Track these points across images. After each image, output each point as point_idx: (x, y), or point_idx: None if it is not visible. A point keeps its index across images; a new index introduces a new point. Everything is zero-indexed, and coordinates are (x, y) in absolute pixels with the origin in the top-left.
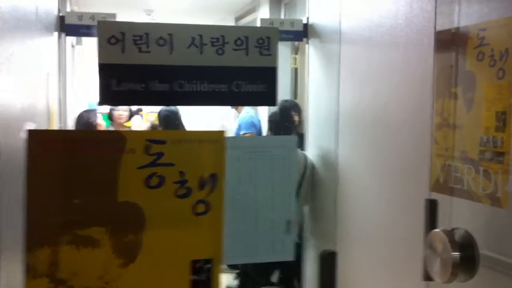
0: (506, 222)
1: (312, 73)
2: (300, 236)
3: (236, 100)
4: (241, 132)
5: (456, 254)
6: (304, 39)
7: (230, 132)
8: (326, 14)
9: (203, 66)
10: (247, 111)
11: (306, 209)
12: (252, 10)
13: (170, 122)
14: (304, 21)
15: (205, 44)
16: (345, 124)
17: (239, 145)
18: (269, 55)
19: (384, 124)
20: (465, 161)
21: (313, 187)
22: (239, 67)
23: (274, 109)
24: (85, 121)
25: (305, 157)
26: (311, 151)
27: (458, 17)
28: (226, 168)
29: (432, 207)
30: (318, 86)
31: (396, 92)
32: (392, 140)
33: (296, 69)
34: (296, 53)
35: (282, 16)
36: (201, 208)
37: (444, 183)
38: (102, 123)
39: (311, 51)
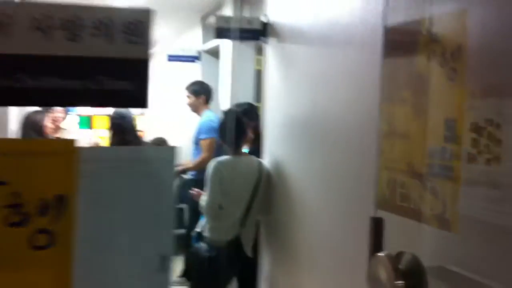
0: (456, 248)
1: (271, 75)
2: (255, 251)
3: (95, 100)
4: (201, 137)
5: (400, 283)
6: (264, 39)
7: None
8: (284, 11)
9: (51, 55)
10: (207, 115)
11: (262, 221)
12: (217, 8)
13: (118, 131)
14: (263, 19)
15: (54, 28)
16: (300, 130)
17: (99, 158)
18: (140, 43)
19: (337, 131)
20: (412, 176)
21: (269, 197)
22: (99, 58)
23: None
24: (31, 122)
25: (260, 165)
26: (268, 159)
27: (409, 12)
28: (80, 187)
29: (377, 227)
30: (275, 89)
31: (350, 96)
32: (343, 149)
33: (259, 72)
34: (261, 54)
35: (248, 15)
36: (42, 240)
37: (391, 200)
38: (49, 126)
39: (270, 51)
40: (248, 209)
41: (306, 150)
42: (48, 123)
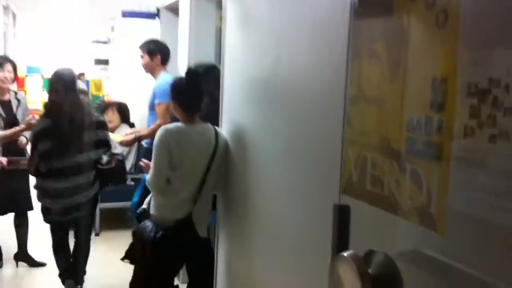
0: (442, 251)
1: (229, 32)
2: (209, 230)
3: None
4: (156, 102)
5: None
6: None
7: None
8: None
9: None
10: (163, 77)
11: (218, 197)
12: None
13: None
14: None
15: None
16: (260, 95)
17: None
18: None
19: (300, 95)
20: (386, 153)
21: (226, 171)
22: None
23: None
24: None
25: (217, 134)
26: (225, 127)
27: None
28: None
29: (341, 217)
30: (235, 47)
31: (316, 52)
32: (307, 117)
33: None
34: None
35: None
36: None
37: (360, 184)
38: None
39: (228, 4)
40: (202, 183)
41: (266, 117)
42: None
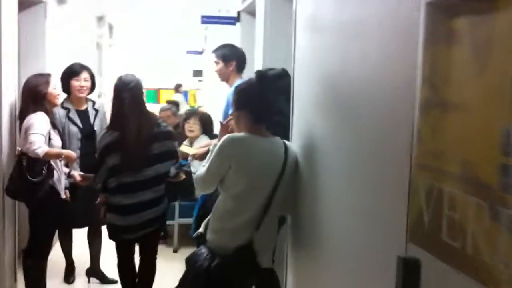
0: None
1: (299, 34)
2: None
3: None
4: (230, 112)
5: None
6: None
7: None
8: None
9: None
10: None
11: (288, 220)
12: None
13: (118, 97)
14: None
15: None
16: (327, 101)
17: None
18: None
19: (366, 104)
20: (471, 188)
21: (294, 191)
22: None
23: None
24: (31, 87)
25: (287, 149)
26: (295, 141)
27: None
28: None
29: (407, 273)
30: (303, 51)
31: (387, 50)
32: (371, 130)
33: None
34: None
35: None
36: None
37: (432, 230)
38: (53, 92)
39: (298, 4)
40: (267, 205)
41: (332, 127)
42: (52, 89)
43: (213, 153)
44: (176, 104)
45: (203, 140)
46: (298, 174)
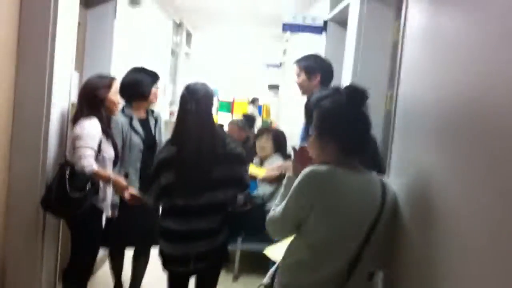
0: None
1: (407, 49)
2: None
3: None
4: (310, 132)
5: None
6: None
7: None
8: None
9: None
10: None
11: (378, 278)
12: None
13: (183, 107)
14: None
15: None
16: (451, 129)
17: None
18: None
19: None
20: None
21: (392, 239)
22: None
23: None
24: (89, 89)
25: (384, 188)
26: (395, 178)
27: None
28: None
29: None
30: (414, 68)
31: None
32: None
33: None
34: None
35: None
36: None
37: None
38: (114, 99)
39: (409, 15)
40: (357, 258)
41: (461, 162)
42: (113, 95)
43: (291, 190)
44: (251, 118)
45: (276, 160)
46: (398, 220)
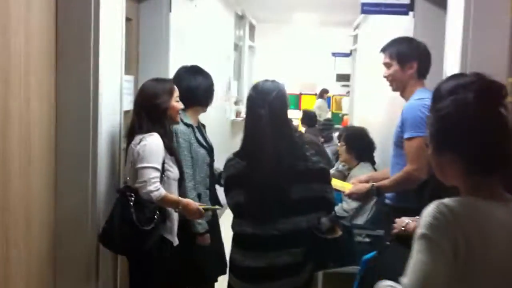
0: None
1: None
2: None
3: None
4: (406, 135)
5: None
6: None
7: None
8: None
9: None
10: (419, 96)
11: None
12: None
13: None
14: None
15: None
16: None
17: None
18: None
19: None
20: None
21: None
22: None
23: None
24: (148, 98)
25: None
26: None
27: None
28: None
29: None
30: None
31: None
32: None
33: None
34: None
35: None
36: None
37: None
38: (177, 106)
39: None
40: None
41: None
42: (175, 102)
43: (419, 243)
44: (309, 115)
45: (363, 170)
46: None
